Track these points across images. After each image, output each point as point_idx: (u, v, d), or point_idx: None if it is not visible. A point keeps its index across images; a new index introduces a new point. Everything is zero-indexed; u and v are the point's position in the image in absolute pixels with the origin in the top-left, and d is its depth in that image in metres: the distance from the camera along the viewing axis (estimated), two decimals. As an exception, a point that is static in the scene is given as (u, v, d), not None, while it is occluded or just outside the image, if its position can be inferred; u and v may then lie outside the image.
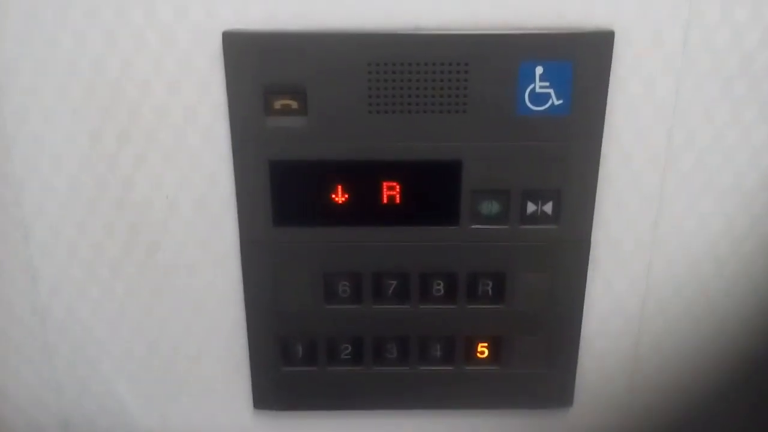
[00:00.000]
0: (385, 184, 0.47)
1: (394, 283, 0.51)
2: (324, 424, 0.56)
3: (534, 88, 0.45)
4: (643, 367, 0.55)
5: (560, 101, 0.45)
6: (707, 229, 0.50)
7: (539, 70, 0.44)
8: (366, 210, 0.48)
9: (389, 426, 0.56)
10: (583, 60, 0.44)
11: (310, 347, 0.53)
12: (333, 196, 0.48)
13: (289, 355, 0.53)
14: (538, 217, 0.49)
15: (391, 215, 0.48)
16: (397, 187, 0.47)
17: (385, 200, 0.48)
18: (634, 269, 0.51)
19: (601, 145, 0.47)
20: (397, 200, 0.48)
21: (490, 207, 0.48)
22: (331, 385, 0.54)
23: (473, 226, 0.49)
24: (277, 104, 0.45)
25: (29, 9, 0.44)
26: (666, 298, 0.53)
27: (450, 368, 0.53)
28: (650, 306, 0.53)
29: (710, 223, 0.50)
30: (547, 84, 0.45)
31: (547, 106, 0.45)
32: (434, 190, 0.48)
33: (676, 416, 0.57)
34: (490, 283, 0.51)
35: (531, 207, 0.48)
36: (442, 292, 0.51)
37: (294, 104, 0.45)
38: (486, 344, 0.53)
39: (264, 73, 0.44)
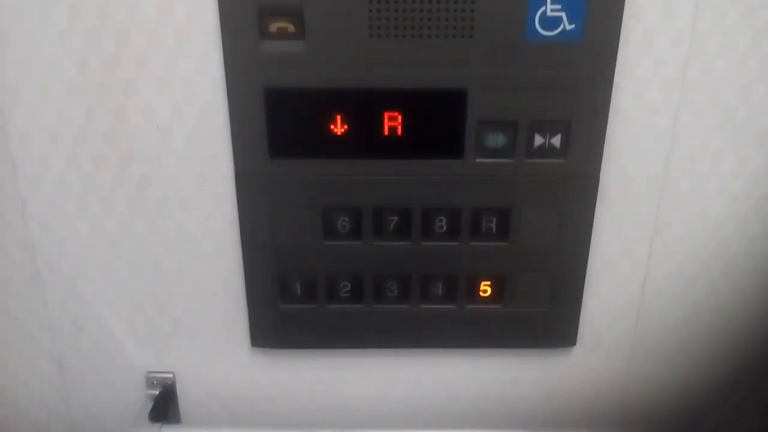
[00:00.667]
0: (386, 114, 0.45)
1: (396, 218, 0.49)
2: (323, 362, 0.56)
3: (545, 10, 0.42)
4: (649, 309, 0.54)
5: (572, 26, 0.43)
6: (721, 166, 0.49)
7: (551, -9, 0.42)
8: (366, 141, 0.46)
9: (389, 365, 0.56)
10: None
11: (308, 284, 0.52)
12: (332, 126, 0.46)
13: (287, 293, 0.52)
14: (546, 151, 0.47)
15: (393, 147, 0.46)
16: (399, 117, 0.45)
17: (386, 131, 0.46)
18: (643, 207, 0.50)
19: (614, 74, 0.45)
20: (399, 131, 0.46)
21: (496, 139, 0.46)
22: (330, 323, 0.53)
23: (478, 159, 0.47)
24: (273, 27, 0.43)
25: None
26: (675, 238, 0.51)
27: (452, 307, 0.52)
28: (658, 245, 0.51)
29: (724, 159, 0.49)
30: (559, 7, 0.42)
31: (558, 30, 0.43)
32: (438, 121, 0.46)
33: (681, 358, 0.56)
34: (495, 220, 0.49)
35: (539, 139, 0.46)
36: (445, 228, 0.50)
37: (290, 27, 0.43)
38: (489, 282, 0.52)
39: None
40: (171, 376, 0.56)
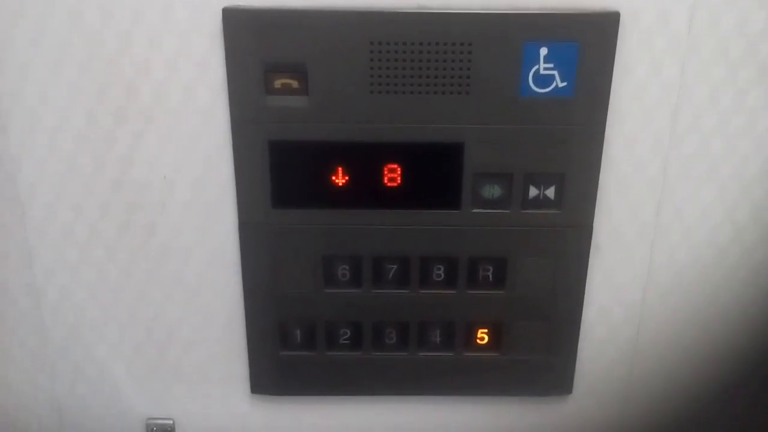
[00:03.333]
0: (386, 167, 0.47)
1: (395, 267, 0.50)
2: (322, 409, 0.56)
3: (538, 69, 0.44)
4: (644, 356, 0.55)
5: (564, 83, 0.44)
6: (709, 216, 0.50)
7: (543, 51, 0.44)
8: (366, 192, 0.48)
9: (388, 412, 0.56)
10: (587, 41, 0.44)
11: (308, 332, 0.52)
12: (333, 177, 0.47)
13: (287, 340, 0.53)
14: (541, 202, 0.48)
15: (392, 198, 0.48)
16: (399, 169, 0.47)
17: (386, 183, 0.47)
18: (636, 256, 0.51)
19: (604, 129, 0.46)
20: (398, 183, 0.47)
21: (492, 190, 0.48)
22: (330, 370, 0.53)
23: (475, 210, 0.48)
24: (278, 83, 0.45)
25: None
26: (667, 286, 0.52)
27: (449, 354, 0.53)
28: (651, 294, 0.52)
29: (712, 210, 0.50)
30: (551, 65, 0.44)
31: (551, 88, 0.45)
32: (436, 173, 0.47)
33: (676, 405, 0.56)
34: (491, 268, 0.50)
35: (533, 191, 0.48)
36: (443, 276, 0.51)
37: (294, 83, 0.45)
38: (486, 330, 0.53)
39: (264, 51, 0.44)
40: (171, 422, 0.56)
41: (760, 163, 0.48)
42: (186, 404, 0.56)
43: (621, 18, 0.44)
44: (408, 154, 0.47)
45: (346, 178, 0.47)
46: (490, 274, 0.51)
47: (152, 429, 0.56)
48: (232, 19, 0.43)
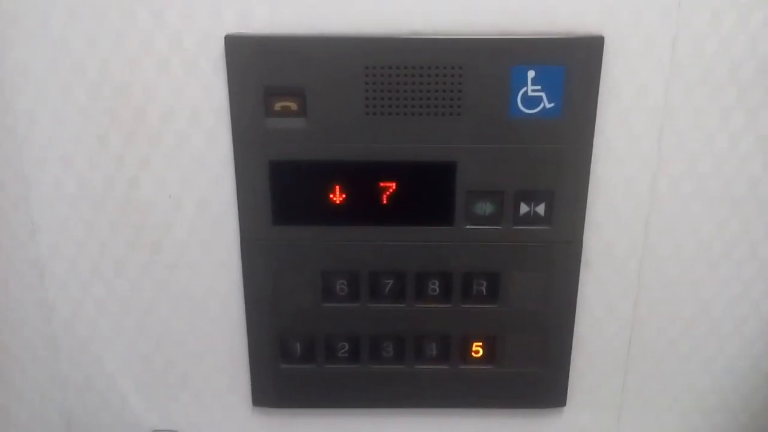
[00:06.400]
0: (381, 185, 0.49)
1: (391, 282, 0.52)
2: (321, 421, 0.57)
3: (526, 91, 0.46)
4: (636, 368, 0.56)
5: (552, 104, 0.46)
6: (698, 231, 0.51)
7: (531, 73, 0.45)
8: (363, 210, 0.49)
9: (385, 424, 0.57)
10: (573, 64, 0.46)
11: (308, 345, 0.54)
12: (331, 195, 0.49)
13: (287, 353, 0.54)
14: (531, 218, 0.50)
15: (388, 215, 0.49)
16: (394, 187, 0.49)
17: (381, 200, 0.49)
18: (626, 270, 0.52)
19: (592, 148, 0.48)
20: (394, 201, 0.49)
21: (484, 208, 0.49)
22: (329, 382, 0.55)
23: (468, 227, 0.50)
24: (278, 106, 0.47)
25: (39, 12, 0.46)
26: (658, 299, 0.53)
27: (445, 367, 0.54)
28: (642, 307, 0.54)
29: (701, 224, 0.51)
30: (539, 87, 0.46)
31: (539, 109, 0.46)
32: (430, 191, 0.49)
33: (669, 417, 0.57)
34: (485, 283, 0.52)
35: (524, 208, 0.49)
36: (438, 291, 0.52)
37: (294, 106, 0.47)
38: (480, 343, 0.54)
39: (265, 75, 0.46)
40: None
41: (745, 181, 0.50)
42: (190, 416, 0.57)
43: (605, 42, 0.45)
44: (403, 173, 0.48)
45: (344, 196, 0.49)
46: (483, 288, 0.52)
47: (158, 440, 0.58)
48: (234, 45, 0.45)
